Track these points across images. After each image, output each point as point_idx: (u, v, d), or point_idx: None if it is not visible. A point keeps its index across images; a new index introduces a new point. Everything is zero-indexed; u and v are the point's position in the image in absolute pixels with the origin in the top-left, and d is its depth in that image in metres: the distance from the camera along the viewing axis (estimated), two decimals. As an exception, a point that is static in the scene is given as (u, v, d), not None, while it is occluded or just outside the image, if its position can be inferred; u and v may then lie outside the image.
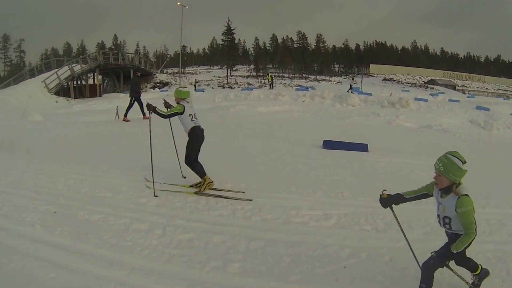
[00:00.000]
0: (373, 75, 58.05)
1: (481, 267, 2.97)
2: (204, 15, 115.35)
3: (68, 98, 27.11)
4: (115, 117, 14.25)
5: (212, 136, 8.43)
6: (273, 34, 77.30)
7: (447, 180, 2.59)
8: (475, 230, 2.56)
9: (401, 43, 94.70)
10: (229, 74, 53.50)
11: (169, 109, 5.31)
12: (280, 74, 58.91)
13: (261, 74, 58.50)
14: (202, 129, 5.45)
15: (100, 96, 30.96)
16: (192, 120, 5.33)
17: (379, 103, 16.58)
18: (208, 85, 45.13)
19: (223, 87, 44.72)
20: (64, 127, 11.57)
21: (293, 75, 60.78)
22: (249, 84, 46.29)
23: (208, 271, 3.26)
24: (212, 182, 5.18)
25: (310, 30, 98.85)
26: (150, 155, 5.22)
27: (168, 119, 5.36)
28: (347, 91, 24.70)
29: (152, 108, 5.15)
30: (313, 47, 72.65)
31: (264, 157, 7.01)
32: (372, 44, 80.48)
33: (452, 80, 58.17)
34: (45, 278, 3.30)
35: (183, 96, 5.37)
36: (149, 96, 26.49)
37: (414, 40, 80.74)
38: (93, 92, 31.26)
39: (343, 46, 77.34)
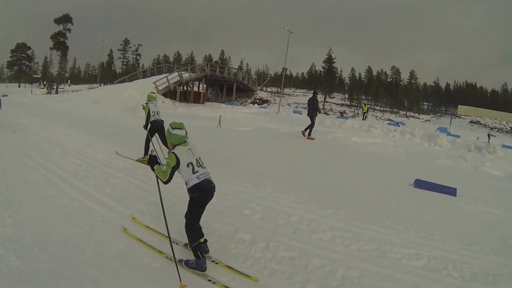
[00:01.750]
0: (460, 116, 51.30)
1: (200, 244, 3.40)
2: (305, 42, 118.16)
3: (173, 101, 27.86)
4: (217, 125, 14.20)
5: (315, 162, 8.57)
6: (369, 67, 75.04)
7: (169, 143, 3.43)
8: (169, 177, 3.29)
9: (491, 85, 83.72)
10: (325, 100, 53.16)
11: (143, 111, 7.15)
12: (372, 106, 56.49)
13: (354, 104, 56.96)
14: (161, 121, 6.99)
15: (203, 103, 31.71)
16: (153, 116, 6.98)
17: (466, 146, 14.89)
18: (305, 108, 45.25)
19: (319, 112, 44.44)
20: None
21: (384, 109, 57.93)
22: (343, 112, 45.33)
23: (307, 291, 3.25)
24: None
25: (404, 65, 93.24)
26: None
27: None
28: (488, 142, 21.75)
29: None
30: (405, 83, 69.02)
31: (361, 186, 6.93)
32: (462, 85, 74.06)
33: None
34: (150, 266, 3.37)
35: (149, 99, 7.26)
36: (251, 110, 27.35)
37: (505, 83, 70.82)
38: (197, 98, 32.26)
39: (433, 85, 72.71)
